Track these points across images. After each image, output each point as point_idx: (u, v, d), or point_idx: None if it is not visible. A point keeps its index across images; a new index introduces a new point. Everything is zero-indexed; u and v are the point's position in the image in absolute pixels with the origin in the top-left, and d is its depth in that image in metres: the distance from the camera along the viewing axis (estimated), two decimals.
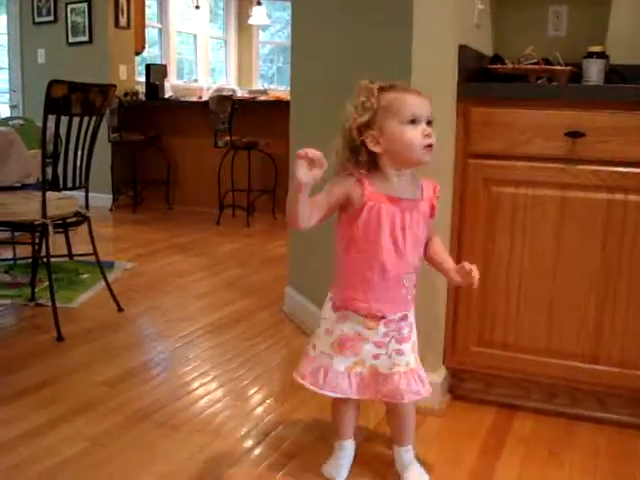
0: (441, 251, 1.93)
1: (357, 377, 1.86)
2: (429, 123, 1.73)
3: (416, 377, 1.87)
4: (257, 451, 2.14)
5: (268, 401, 2.51)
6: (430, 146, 1.72)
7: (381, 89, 1.73)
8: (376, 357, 1.85)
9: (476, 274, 1.79)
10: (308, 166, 1.57)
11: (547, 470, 2.06)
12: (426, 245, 1.89)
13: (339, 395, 1.86)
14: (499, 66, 2.57)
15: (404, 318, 1.86)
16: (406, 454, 1.98)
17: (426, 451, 2.11)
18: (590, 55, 2.47)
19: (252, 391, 2.59)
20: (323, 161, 1.57)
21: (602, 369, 2.27)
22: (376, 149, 1.73)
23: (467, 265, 1.80)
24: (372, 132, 1.72)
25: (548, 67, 2.51)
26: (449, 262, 1.90)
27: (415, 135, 1.70)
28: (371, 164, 1.76)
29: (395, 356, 1.85)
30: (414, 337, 1.90)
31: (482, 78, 2.50)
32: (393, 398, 1.87)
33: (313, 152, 1.56)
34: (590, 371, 2.28)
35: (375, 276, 1.78)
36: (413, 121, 1.71)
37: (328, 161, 1.61)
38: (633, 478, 2.03)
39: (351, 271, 1.82)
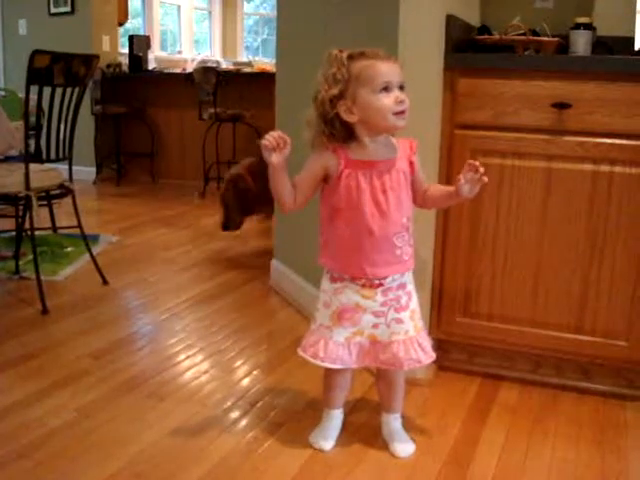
0: (441, 186, 1.94)
1: (357, 346, 1.88)
2: (401, 88, 1.73)
3: (415, 345, 1.87)
4: (244, 421, 2.15)
5: (255, 372, 2.51)
6: (404, 112, 1.72)
7: (350, 57, 1.72)
8: (375, 327, 1.86)
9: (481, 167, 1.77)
10: (275, 150, 1.71)
11: (532, 439, 2.08)
12: (425, 196, 1.88)
13: (339, 366, 1.88)
14: (486, 37, 2.55)
15: (402, 286, 1.87)
16: (394, 421, 2.01)
17: (412, 421, 2.13)
18: (577, 26, 2.45)
19: (238, 362, 2.59)
20: (285, 138, 1.71)
21: (586, 339, 2.29)
22: (350, 119, 1.74)
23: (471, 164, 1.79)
24: (345, 102, 1.72)
25: (535, 38, 2.50)
26: (450, 187, 1.88)
27: (388, 102, 1.70)
28: (345, 134, 1.77)
29: (394, 325, 1.86)
30: (413, 305, 1.90)
31: (469, 49, 2.48)
32: (392, 366, 1.88)
33: (272, 137, 1.70)
34: (574, 341, 2.30)
35: (365, 241, 1.78)
36: (385, 89, 1.70)
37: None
38: (616, 447, 2.05)
39: (340, 240, 1.82)
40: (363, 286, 1.83)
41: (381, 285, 1.83)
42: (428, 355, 1.91)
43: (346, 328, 1.85)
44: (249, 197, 3.69)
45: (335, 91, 1.71)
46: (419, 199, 1.89)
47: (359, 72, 1.71)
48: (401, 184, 1.80)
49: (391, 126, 1.75)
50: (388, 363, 1.88)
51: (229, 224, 3.79)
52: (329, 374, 1.98)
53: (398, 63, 1.75)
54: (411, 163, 1.83)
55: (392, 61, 1.73)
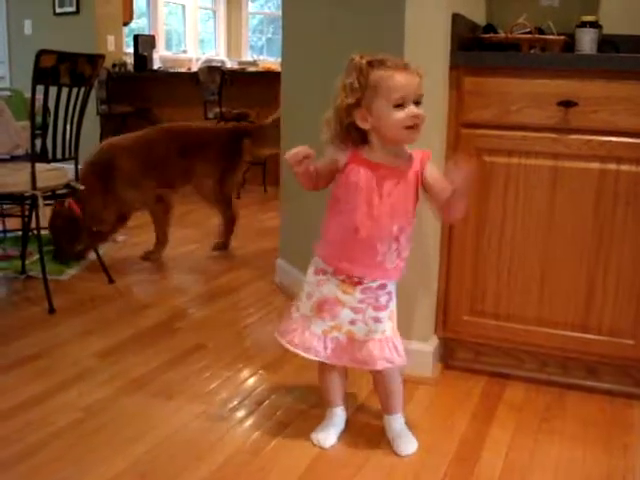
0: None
1: (333, 342, 1.89)
2: (417, 103, 1.72)
3: (390, 345, 1.88)
4: (250, 421, 2.15)
5: (260, 371, 2.51)
6: (417, 126, 1.73)
7: (370, 65, 1.73)
8: (353, 323, 1.87)
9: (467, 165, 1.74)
10: (300, 163, 1.75)
11: (538, 438, 2.08)
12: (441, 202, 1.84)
13: (311, 356, 1.90)
14: (492, 35, 2.55)
15: (382, 287, 1.87)
16: (394, 422, 2.01)
17: (418, 419, 2.13)
18: (583, 25, 2.45)
19: (244, 362, 2.59)
20: (309, 153, 1.74)
21: (593, 338, 2.28)
22: (364, 126, 1.76)
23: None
24: (361, 110, 1.74)
25: (541, 36, 2.50)
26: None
27: (402, 117, 1.71)
28: (359, 138, 1.79)
29: (372, 323, 1.87)
30: (392, 306, 1.91)
31: (475, 47, 2.48)
32: (366, 365, 1.89)
33: (295, 155, 1.73)
34: (581, 340, 2.30)
35: (349, 236, 1.81)
36: (400, 104, 1.71)
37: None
38: (623, 445, 2.05)
39: (331, 231, 1.87)
40: (343, 281, 1.86)
41: (360, 284, 1.85)
42: (402, 357, 1.90)
43: (325, 321, 1.88)
44: (77, 226, 3.65)
45: (352, 100, 1.73)
46: (442, 210, 1.86)
47: (377, 82, 1.71)
48: (401, 194, 1.79)
49: (402, 140, 1.77)
50: (363, 362, 1.89)
51: (58, 254, 3.75)
52: (320, 371, 2.01)
53: (417, 75, 1.74)
54: (418, 177, 1.81)
55: (412, 73, 1.73)
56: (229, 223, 4.14)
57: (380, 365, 1.88)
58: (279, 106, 3.44)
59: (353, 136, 1.78)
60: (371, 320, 1.87)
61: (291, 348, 1.91)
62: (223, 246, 4.13)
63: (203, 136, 4.05)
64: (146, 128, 4.17)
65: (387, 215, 1.79)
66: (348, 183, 1.80)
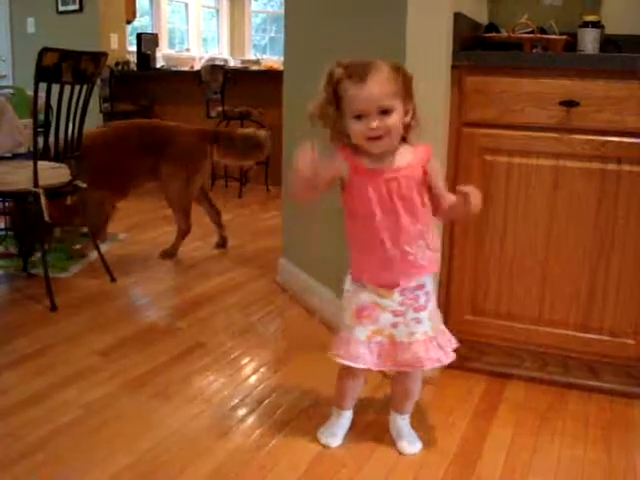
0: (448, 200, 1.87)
1: (377, 346, 1.86)
2: (384, 112, 1.69)
3: (435, 344, 1.87)
4: (251, 419, 2.15)
5: (261, 370, 2.52)
6: (377, 138, 1.71)
7: (339, 80, 1.72)
8: (394, 326, 1.85)
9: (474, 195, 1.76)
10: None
11: (539, 437, 2.08)
12: (440, 204, 1.84)
13: (360, 366, 1.86)
14: (494, 35, 2.55)
15: (420, 287, 1.86)
16: (402, 421, 2.01)
17: (419, 418, 2.13)
18: (585, 24, 2.45)
19: (245, 360, 2.59)
20: (313, 158, 1.69)
21: (594, 338, 2.28)
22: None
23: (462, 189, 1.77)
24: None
25: (543, 36, 2.50)
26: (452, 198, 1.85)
27: (360, 129, 1.71)
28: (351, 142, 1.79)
29: (413, 325, 1.85)
30: (431, 306, 1.89)
31: (477, 47, 2.48)
32: (412, 366, 1.88)
33: (303, 166, 1.68)
34: (582, 340, 2.30)
35: (377, 249, 1.80)
36: (358, 116, 1.70)
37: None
38: (624, 445, 2.05)
39: (356, 242, 1.86)
40: (380, 286, 1.84)
41: (397, 286, 1.83)
42: (448, 355, 1.90)
43: (366, 326, 1.85)
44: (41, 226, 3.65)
45: (331, 111, 1.75)
46: (435, 209, 1.85)
47: (343, 94, 1.72)
48: (412, 192, 1.77)
49: (368, 149, 1.75)
50: (408, 364, 1.87)
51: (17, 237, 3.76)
52: (343, 377, 1.98)
53: (380, 85, 1.68)
54: (425, 172, 1.79)
55: (373, 83, 1.68)
56: (180, 233, 4.06)
57: (428, 365, 1.87)
58: (281, 105, 3.44)
59: (346, 139, 1.78)
60: (412, 322, 1.85)
61: (340, 360, 1.87)
62: (169, 254, 4.03)
63: (169, 134, 3.99)
64: (117, 122, 4.14)
65: (406, 217, 1.77)
66: (359, 197, 1.78)
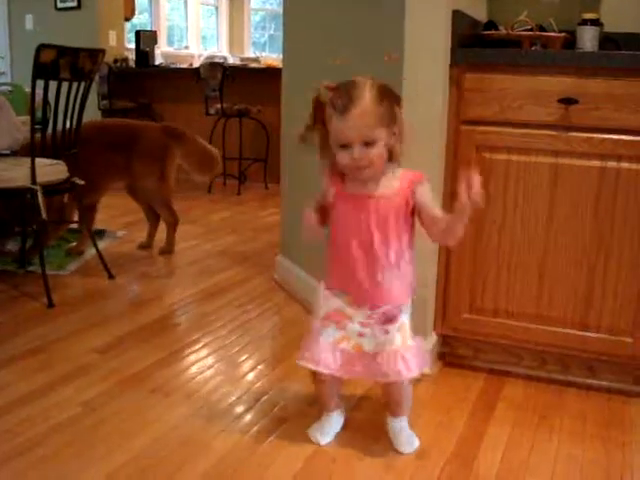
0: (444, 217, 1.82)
1: (343, 354, 1.86)
2: (368, 144, 1.68)
3: (399, 357, 1.83)
4: (248, 417, 2.15)
5: (259, 367, 2.52)
6: (362, 167, 1.71)
7: (325, 105, 1.72)
8: (361, 335, 1.86)
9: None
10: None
11: (536, 435, 2.08)
12: (436, 223, 1.79)
13: (321, 369, 1.86)
14: (493, 32, 2.55)
15: (390, 310, 1.85)
16: (398, 424, 2.00)
17: (416, 416, 2.12)
18: (584, 22, 2.45)
19: (243, 358, 2.59)
20: (314, 220, 1.83)
21: (592, 336, 2.28)
22: None
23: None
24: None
25: (542, 33, 2.49)
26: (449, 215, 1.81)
27: (345, 158, 1.71)
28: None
29: (380, 335, 1.84)
30: (403, 318, 1.86)
31: (476, 44, 2.48)
32: (376, 377, 1.88)
33: (308, 228, 1.83)
34: (580, 338, 2.29)
35: (350, 276, 1.82)
36: (343, 146, 1.70)
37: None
38: (622, 443, 2.05)
39: (332, 262, 1.88)
40: (351, 299, 1.85)
41: (366, 307, 1.85)
42: (412, 371, 1.84)
43: (334, 330, 1.86)
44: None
45: (319, 133, 1.76)
46: (434, 233, 1.81)
47: (328, 120, 1.72)
48: (389, 220, 1.77)
49: (354, 177, 1.76)
50: (373, 374, 1.87)
51: None
52: (316, 382, 1.98)
53: (366, 115, 1.66)
54: (407, 202, 1.77)
55: (357, 114, 1.66)
56: (170, 226, 4.05)
57: (390, 378, 1.85)
58: (280, 103, 3.44)
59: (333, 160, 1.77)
60: (380, 332, 1.84)
61: (303, 363, 1.87)
62: (168, 250, 4.03)
63: (135, 132, 3.94)
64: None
65: (382, 246, 1.78)
66: (337, 220, 1.82)
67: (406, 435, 2.00)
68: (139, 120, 4.24)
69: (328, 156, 1.78)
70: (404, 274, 1.84)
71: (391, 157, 1.75)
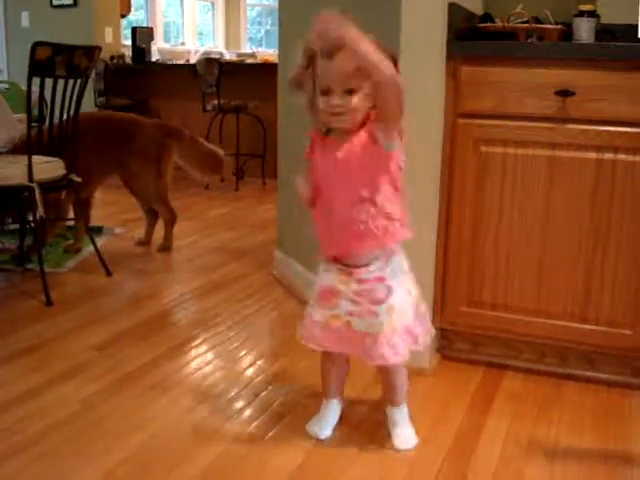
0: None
1: (334, 332, 1.86)
2: (349, 91, 1.67)
3: (385, 342, 1.81)
4: (247, 412, 2.15)
5: (258, 363, 2.52)
6: (340, 114, 1.70)
7: (314, 52, 1.72)
8: (351, 314, 1.83)
9: None
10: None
11: (536, 427, 2.08)
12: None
13: (313, 346, 1.89)
14: (489, 25, 2.54)
15: (380, 279, 1.81)
16: (398, 414, 2.00)
17: (415, 410, 2.12)
18: (581, 14, 2.44)
19: (242, 353, 2.59)
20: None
21: (590, 328, 2.28)
22: None
23: None
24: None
25: (538, 26, 2.48)
26: None
27: (323, 104, 1.70)
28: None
29: (368, 317, 1.82)
30: (393, 301, 1.82)
31: (472, 37, 2.47)
32: (362, 358, 1.87)
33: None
34: (579, 331, 2.29)
35: (329, 218, 1.81)
36: (325, 92, 1.69)
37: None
38: (620, 435, 2.05)
39: (317, 220, 1.87)
40: (340, 270, 1.84)
41: (353, 274, 1.82)
42: (399, 356, 1.83)
43: (325, 309, 1.86)
44: None
45: (307, 82, 1.76)
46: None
47: (315, 67, 1.72)
48: (355, 156, 1.73)
49: (332, 124, 1.75)
50: (360, 355, 1.87)
51: None
52: (322, 361, 2.00)
53: (346, 63, 1.65)
54: (370, 132, 1.72)
55: (341, 60, 1.65)
56: (168, 223, 4.05)
57: (375, 362, 1.85)
58: (277, 98, 3.43)
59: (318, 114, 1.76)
60: (368, 314, 1.82)
61: (301, 341, 1.91)
62: (166, 247, 4.02)
63: (132, 127, 3.94)
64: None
65: (348, 181, 1.75)
66: (313, 166, 1.82)
67: (404, 430, 1.99)
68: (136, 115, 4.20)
69: (313, 109, 1.76)
70: (383, 209, 1.76)
71: (379, 116, 1.70)
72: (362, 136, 1.72)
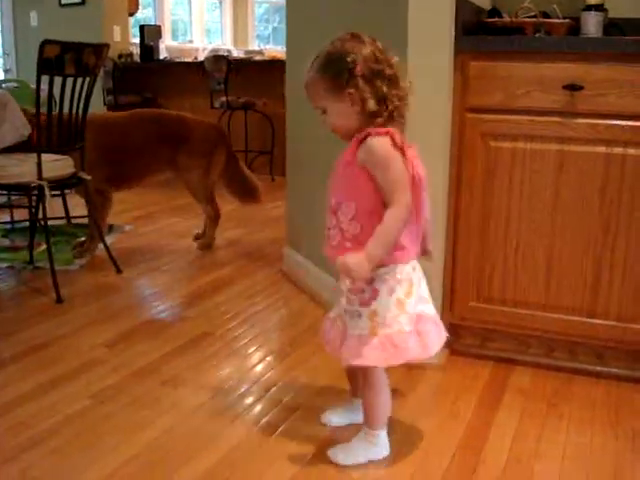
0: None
1: (334, 327, 1.87)
2: (323, 112, 1.75)
3: (356, 344, 1.76)
4: (258, 407, 2.15)
5: (268, 358, 2.52)
6: (332, 131, 1.76)
7: None
8: (345, 312, 1.82)
9: None
10: None
11: (545, 423, 2.08)
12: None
13: (323, 341, 1.92)
14: (497, 19, 2.54)
15: (369, 281, 1.75)
16: (362, 434, 1.89)
17: (424, 405, 2.13)
18: (588, 8, 2.43)
19: (252, 349, 2.60)
20: None
21: (600, 323, 2.28)
22: None
23: None
24: None
25: (546, 20, 2.48)
26: None
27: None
28: None
29: (355, 317, 1.78)
30: (376, 306, 1.75)
31: (480, 32, 2.47)
32: (340, 354, 1.83)
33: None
34: (588, 325, 2.29)
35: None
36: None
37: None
38: (630, 430, 2.05)
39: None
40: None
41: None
42: (365, 359, 1.75)
43: (335, 308, 1.89)
44: None
45: None
46: None
47: None
48: (344, 170, 1.73)
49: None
50: (337, 351, 1.83)
51: None
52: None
53: (314, 82, 1.73)
54: (354, 158, 1.70)
55: (308, 85, 1.75)
56: (211, 220, 4.07)
57: (344, 360, 1.82)
58: (284, 95, 3.43)
59: None
60: (355, 314, 1.78)
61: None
62: (207, 245, 4.04)
63: (188, 126, 3.97)
64: (130, 111, 4.13)
65: (332, 189, 1.78)
66: None
67: (352, 449, 1.87)
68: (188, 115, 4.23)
69: None
70: (343, 228, 1.73)
71: (373, 116, 1.68)
72: (352, 144, 1.72)
